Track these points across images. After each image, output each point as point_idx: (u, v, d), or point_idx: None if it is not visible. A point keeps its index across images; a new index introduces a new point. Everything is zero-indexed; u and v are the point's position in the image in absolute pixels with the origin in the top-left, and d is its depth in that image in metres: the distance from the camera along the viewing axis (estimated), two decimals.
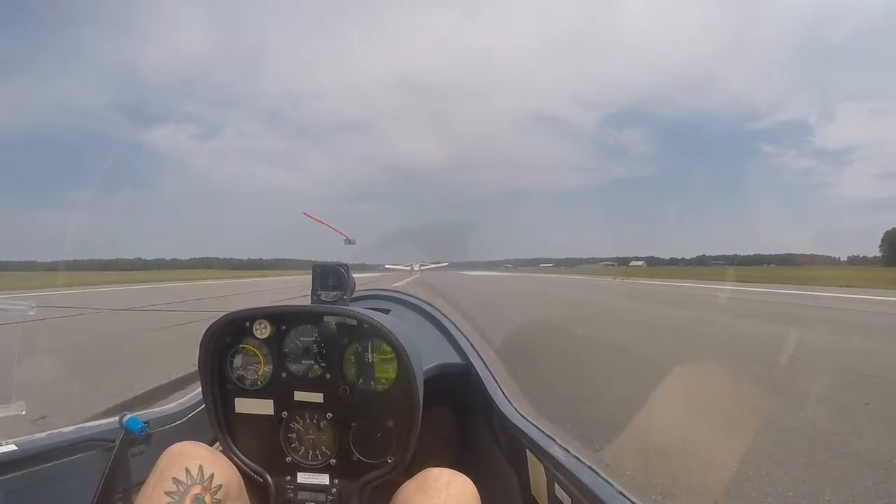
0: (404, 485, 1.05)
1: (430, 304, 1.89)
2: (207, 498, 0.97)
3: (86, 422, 1.25)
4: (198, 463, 0.99)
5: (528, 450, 1.18)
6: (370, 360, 1.21)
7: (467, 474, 1.04)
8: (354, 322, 1.21)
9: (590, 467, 0.98)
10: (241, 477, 1.12)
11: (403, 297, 1.93)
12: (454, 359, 1.61)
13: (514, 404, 1.39)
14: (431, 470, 1.04)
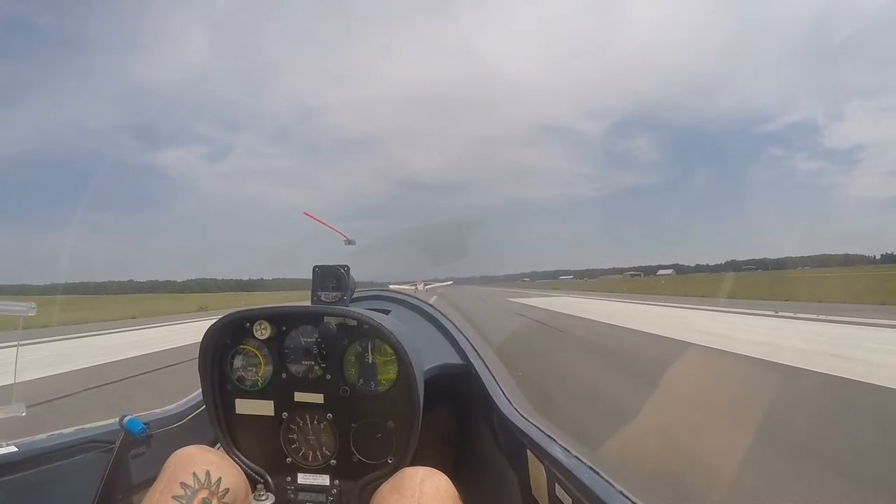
0: (381, 486, 1.06)
1: (430, 305, 1.89)
2: (215, 502, 0.98)
3: (86, 423, 1.25)
4: (205, 468, 1.00)
5: (528, 450, 1.18)
6: (370, 361, 1.22)
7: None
8: (355, 323, 1.21)
9: (590, 467, 0.98)
10: (247, 481, 1.12)
11: (403, 298, 1.93)
12: (454, 359, 1.61)
13: (514, 404, 1.39)
14: (407, 469, 1.05)
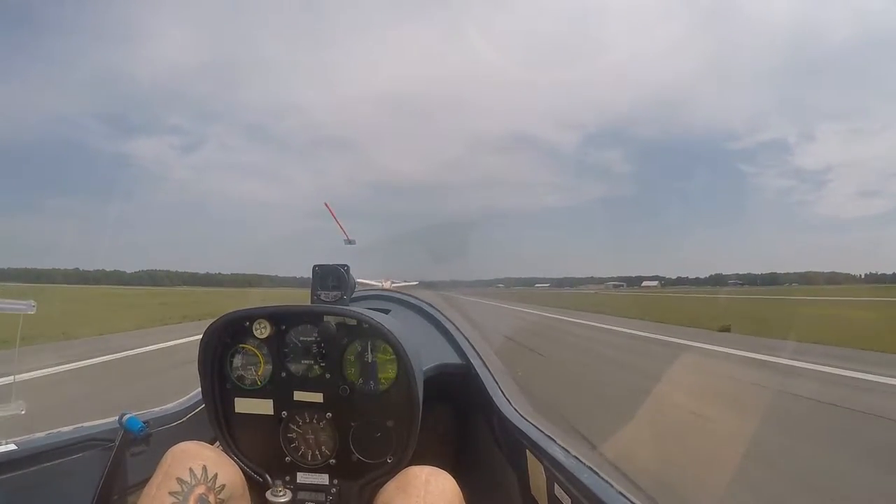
0: (385, 485, 1.06)
1: (430, 305, 1.89)
2: (212, 498, 0.98)
3: (85, 421, 1.25)
4: (202, 463, 1.00)
5: (527, 450, 1.18)
6: (370, 360, 1.22)
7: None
8: (354, 322, 1.21)
9: (589, 467, 0.98)
10: (244, 477, 1.12)
11: (403, 297, 1.93)
12: (454, 359, 1.61)
13: (513, 404, 1.39)
14: (412, 468, 1.05)
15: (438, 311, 1.85)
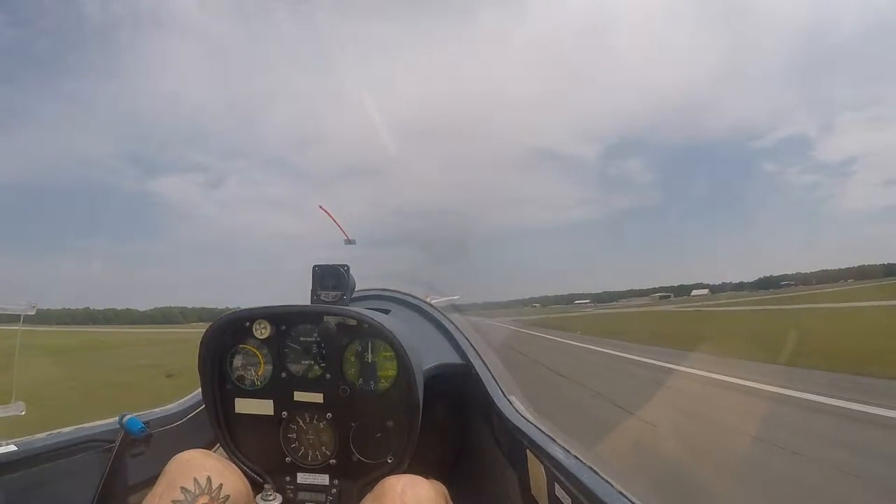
0: (364, 498, 1.05)
1: (430, 305, 1.89)
2: None
3: (86, 422, 1.25)
4: (206, 473, 0.99)
5: (527, 450, 1.18)
6: (370, 361, 1.22)
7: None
8: (354, 322, 1.21)
9: (590, 467, 0.98)
10: (249, 487, 1.12)
11: (403, 297, 1.93)
12: (454, 359, 1.61)
13: (513, 404, 1.39)
14: (388, 479, 1.04)
15: (438, 310, 1.85)
